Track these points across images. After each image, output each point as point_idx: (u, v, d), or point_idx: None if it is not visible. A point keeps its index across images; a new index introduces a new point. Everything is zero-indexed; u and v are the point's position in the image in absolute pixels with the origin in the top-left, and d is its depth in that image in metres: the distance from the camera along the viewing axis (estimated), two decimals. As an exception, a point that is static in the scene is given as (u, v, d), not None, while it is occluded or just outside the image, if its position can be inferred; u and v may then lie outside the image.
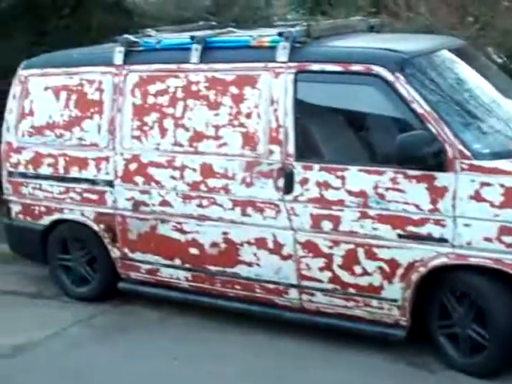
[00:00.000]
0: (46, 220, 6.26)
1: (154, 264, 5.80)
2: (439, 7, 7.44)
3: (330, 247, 5.08)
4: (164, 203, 5.60)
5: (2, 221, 6.68)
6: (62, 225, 6.24)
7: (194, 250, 5.57)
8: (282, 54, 5.18)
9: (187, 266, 5.65)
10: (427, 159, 4.72)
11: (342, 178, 4.98)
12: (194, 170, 5.45)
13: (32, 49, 7.57)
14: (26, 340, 5.50)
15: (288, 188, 5.15)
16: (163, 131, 5.58)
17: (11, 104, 6.40)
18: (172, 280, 5.77)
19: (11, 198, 6.46)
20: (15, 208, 6.44)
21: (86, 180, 5.95)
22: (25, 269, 6.95)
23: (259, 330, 5.48)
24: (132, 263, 5.91)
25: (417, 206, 4.79)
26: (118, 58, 5.82)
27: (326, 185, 5.03)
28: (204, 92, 5.45)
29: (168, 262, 5.72)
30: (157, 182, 5.60)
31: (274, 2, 10.02)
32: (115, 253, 5.96)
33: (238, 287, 5.50)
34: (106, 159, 5.82)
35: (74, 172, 6.00)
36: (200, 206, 5.46)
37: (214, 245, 5.48)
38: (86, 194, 5.97)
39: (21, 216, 6.42)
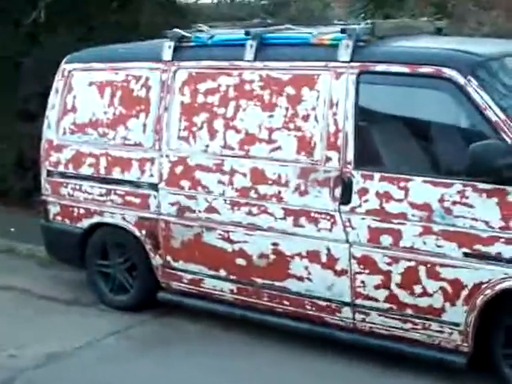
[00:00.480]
0: (85, 223, 5.94)
1: (197, 274, 5.44)
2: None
3: (389, 264, 4.67)
4: (211, 210, 5.25)
5: (39, 222, 6.39)
6: (101, 229, 5.92)
7: (240, 261, 5.20)
8: (344, 53, 4.80)
9: (233, 277, 5.28)
10: (501, 172, 4.30)
11: (405, 189, 4.57)
12: (244, 175, 5.09)
13: (79, 44, 7.28)
14: (60, 349, 5.17)
15: (345, 198, 4.76)
16: (212, 132, 5.23)
17: (53, 99, 6.11)
18: (216, 292, 5.40)
19: (49, 198, 6.16)
20: (53, 209, 6.14)
21: (129, 182, 5.62)
22: (61, 273, 6.65)
23: (308, 349, 5.09)
24: (174, 272, 5.56)
25: (486, 223, 4.36)
26: (167, 54, 5.49)
27: (386, 196, 4.63)
28: (258, 92, 5.09)
29: (212, 273, 5.36)
30: (204, 187, 5.25)
31: (332, 4, 9.64)
32: (157, 260, 5.61)
33: (287, 303, 5.11)
34: (151, 160, 5.49)
35: (117, 173, 5.68)
36: (249, 214, 5.10)
37: (263, 256, 5.10)
38: (128, 197, 5.64)
39: (59, 218, 6.12)
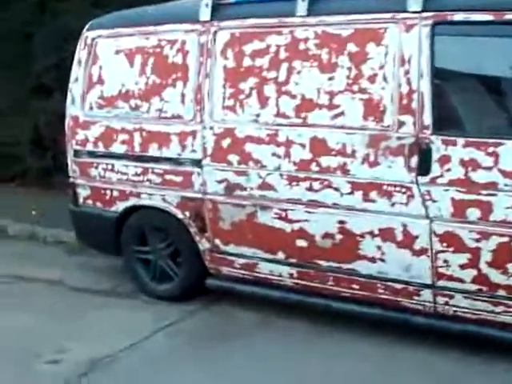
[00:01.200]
0: (119, 206, 5.37)
1: (251, 258, 4.89)
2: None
3: (477, 240, 4.11)
4: (265, 186, 4.67)
5: (61, 204, 5.83)
6: (138, 212, 5.35)
7: (301, 243, 4.64)
8: (415, 2, 4.20)
9: (292, 260, 4.73)
10: None
11: (495, 155, 4.00)
12: (303, 145, 4.51)
13: (93, 10, 6.66)
14: (104, 351, 4.57)
15: (424, 168, 4.18)
16: (263, 100, 4.63)
17: (76, 72, 5.50)
18: (272, 277, 4.85)
19: (78, 181, 5.58)
20: (83, 193, 5.57)
21: (168, 159, 5.04)
22: (92, 261, 6.13)
23: (381, 337, 4.57)
24: (224, 257, 5.01)
25: None
26: (205, 13, 4.86)
27: (473, 164, 4.05)
28: (314, 51, 4.48)
29: (269, 256, 4.80)
30: (256, 161, 4.67)
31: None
32: (203, 245, 5.06)
33: (356, 286, 4.56)
34: (193, 134, 4.90)
35: (154, 150, 5.09)
36: (310, 189, 4.52)
37: (328, 236, 4.54)
38: (168, 176, 5.07)
39: (90, 202, 5.55)
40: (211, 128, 4.82)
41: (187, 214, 5.05)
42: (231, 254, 4.97)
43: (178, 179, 5.02)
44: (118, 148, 5.27)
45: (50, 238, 6.85)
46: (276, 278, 4.85)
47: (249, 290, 5.00)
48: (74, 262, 6.26)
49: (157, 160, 5.09)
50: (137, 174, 5.22)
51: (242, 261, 4.94)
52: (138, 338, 4.74)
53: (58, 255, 6.48)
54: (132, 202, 5.30)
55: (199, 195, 4.95)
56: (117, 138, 5.27)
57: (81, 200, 5.61)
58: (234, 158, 4.75)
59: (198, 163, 4.91)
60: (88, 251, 6.10)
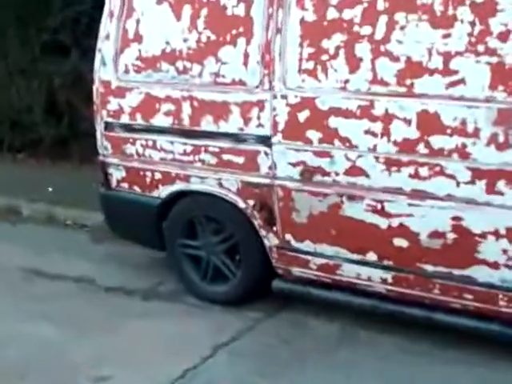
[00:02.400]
0: (163, 191, 4.42)
1: (332, 258, 3.96)
2: None
3: None
4: (354, 172, 3.72)
5: (81, 180, 4.88)
6: (187, 198, 4.40)
7: (400, 242, 3.71)
8: None
9: (387, 263, 3.80)
10: None
11: None
12: (407, 121, 3.55)
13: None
14: (158, 378, 3.67)
15: None
16: (354, 62, 3.66)
17: (107, 27, 4.49)
18: (359, 281, 3.93)
19: (110, 160, 4.62)
20: (116, 174, 4.62)
21: (227, 135, 4.08)
22: (125, 252, 5.19)
23: (494, 360, 3.68)
24: (297, 255, 4.08)
25: None
26: (275, -49, 3.88)
27: None
28: (424, 0, 3.51)
29: (356, 257, 3.88)
30: (343, 140, 3.72)
31: None
32: (271, 240, 4.13)
33: (470, 297, 3.65)
34: (259, 105, 3.94)
35: (208, 123, 4.13)
36: (416, 176, 3.57)
37: (437, 235, 3.61)
38: (226, 156, 4.12)
39: (125, 185, 4.61)
40: (284, 97, 3.85)
41: (250, 202, 4.11)
42: (306, 253, 4.04)
43: (240, 160, 4.07)
44: (161, 121, 4.30)
45: (70, 221, 5.91)
46: (364, 282, 3.93)
47: (327, 295, 4.08)
48: (102, 253, 5.32)
49: (212, 136, 4.13)
50: (185, 153, 4.26)
51: (319, 261, 4.02)
52: (194, 359, 3.82)
53: (82, 243, 5.54)
54: (179, 186, 4.35)
55: (267, 180, 4.00)
56: (160, 109, 4.29)
57: (114, 183, 4.66)
58: (314, 134, 3.79)
59: (266, 141, 3.94)
60: (117, 239, 5.15)
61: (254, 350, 3.93)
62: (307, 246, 4.02)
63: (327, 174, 3.80)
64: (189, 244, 4.51)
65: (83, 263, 5.11)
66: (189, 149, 4.24)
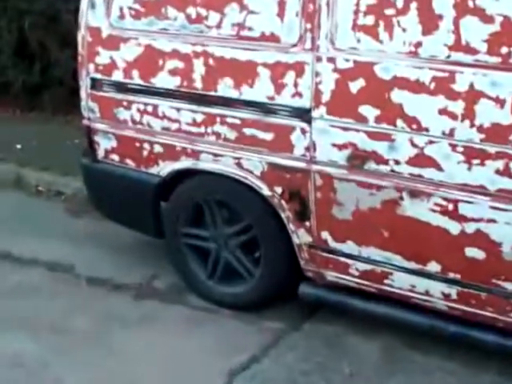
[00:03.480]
0: (164, 168, 3.56)
1: (381, 265, 3.15)
2: None
3: None
4: (422, 161, 2.88)
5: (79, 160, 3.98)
6: (194, 179, 3.54)
7: (475, 252, 2.91)
8: None
9: (453, 276, 3.00)
10: None
11: None
12: (500, 101, 2.69)
13: None
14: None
15: None
16: (430, 19, 2.79)
17: (95, -43, 3.57)
18: (413, 294, 3.14)
19: (97, 125, 3.72)
20: (105, 143, 3.73)
21: (252, 104, 3.20)
22: (107, 228, 4.28)
23: None
24: (335, 257, 3.26)
25: None
26: None
27: None
28: None
29: (413, 266, 3.07)
30: (410, 121, 2.86)
31: None
32: (301, 237, 3.30)
33: (559, 323, 2.91)
34: (297, 68, 3.05)
35: (227, 88, 3.24)
36: (505, 173, 2.75)
37: (526, 247, 2.85)
38: (249, 131, 3.25)
39: (115, 157, 3.73)
40: (331, 60, 2.98)
41: (278, 190, 3.27)
42: (347, 256, 3.23)
43: (267, 137, 3.21)
44: (165, 81, 3.41)
45: (43, 187, 5.01)
46: (419, 296, 3.14)
47: (369, 308, 3.29)
48: (82, 231, 4.43)
49: (231, 104, 3.25)
50: (195, 123, 3.38)
51: (364, 267, 3.21)
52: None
53: (57, 216, 4.65)
54: (185, 163, 3.48)
55: (302, 164, 3.15)
56: (164, 66, 3.40)
57: (101, 153, 3.77)
58: (369, 111, 2.93)
59: (303, 114, 3.08)
60: (97, 215, 4.26)
61: (281, 378, 3.14)
62: (349, 247, 3.21)
63: (384, 161, 2.96)
64: (194, 234, 3.67)
65: (58, 244, 4.24)
66: (200, 118, 3.36)
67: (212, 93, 3.30)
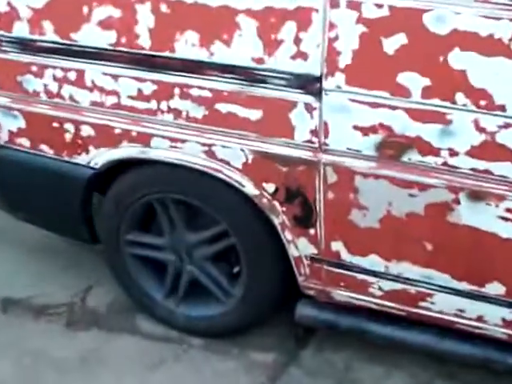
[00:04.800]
0: (96, 157, 2.51)
1: (419, 284, 2.31)
2: None
3: None
4: (491, 152, 1.99)
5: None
6: (142, 171, 2.54)
7: (555, 271, 2.13)
8: None
9: (519, 300, 2.23)
10: None
11: None
12: None
13: None
14: None
15: None
16: None
17: None
18: (460, 320, 2.33)
19: (-5, 97, 2.66)
20: (9, 123, 2.63)
21: (229, 69, 2.21)
22: (23, 227, 3.23)
23: None
24: (349, 274, 2.38)
25: None
26: None
27: None
28: None
29: (465, 287, 2.25)
30: (475, 94, 1.94)
31: None
32: (301, 248, 2.39)
33: None
34: (300, 17, 2.06)
35: (189, 47, 2.21)
36: None
37: None
38: (224, 107, 2.25)
39: (24, 141, 2.64)
40: (355, 5, 2.02)
41: (269, 187, 2.33)
42: (368, 272, 2.36)
43: (253, 115, 2.23)
44: (93, 36, 2.34)
45: None
46: (467, 322, 2.32)
47: (401, 336, 2.46)
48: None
49: (197, 69, 2.24)
50: (143, 96, 2.36)
51: (392, 286, 2.35)
52: None
53: None
54: (129, 151, 2.46)
55: (307, 153, 2.20)
56: (90, 15, 2.33)
57: (4, 136, 2.69)
58: (414, 80, 1.99)
59: (309, 84, 2.11)
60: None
61: None
62: (372, 262, 2.33)
63: (434, 151, 2.06)
64: (144, 242, 2.71)
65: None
66: (149, 89, 2.34)
67: (167, 53, 2.28)
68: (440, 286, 2.30)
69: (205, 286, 2.68)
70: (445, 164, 2.07)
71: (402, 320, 2.45)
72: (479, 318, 2.31)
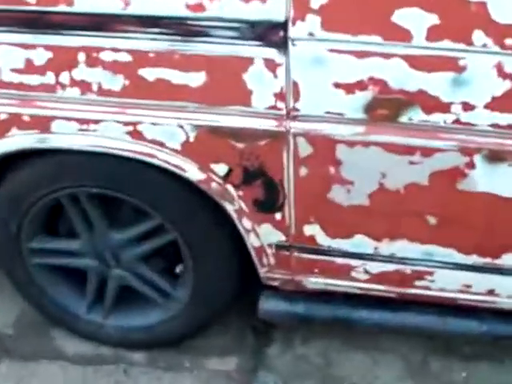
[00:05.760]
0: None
1: (415, 262, 1.86)
2: None
3: None
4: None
5: None
6: (43, 163, 1.91)
7: None
8: None
9: None
10: None
11: None
12: None
13: None
14: None
15: None
16: None
17: None
18: (466, 295, 1.91)
19: None
20: None
21: (154, 22, 1.62)
22: None
23: None
24: (326, 259, 1.91)
25: None
26: None
27: None
28: None
29: (475, 260, 1.82)
30: (499, 31, 1.47)
31: None
32: (263, 235, 1.88)
33: None
34: None
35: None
36: None
37: None
38: (150, 72, 1.66)
39: None
40: None
41: (220, 168, 1.78)
42: (351, 256, 1.90)
43: (193, 80, 1.65)
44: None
45: None
46: (475, 297, 1.92)
47: (393, 319, 2.03)
48: None
49: (109, 25, 1.64)
50: (34, 68, 1.73)
51: (382, 267, 1.89)
52: None
53: None
54: (22, 140, 1.82)
55: (270, 123, 1.66)
56: None
57: None
58: (415, 18, 1.50)
59: (270, 33, 1.57)
60: None
61: None
62: (357, 244, 1.86)
63: (443, 107, 1.58)
64: (54, 248, 2.11)
65: None
66: (42, 58, 1.71)
67: (62, 8, 1.65)
68: (442, 263, 1.87)
69: (139, 292, 2.14)
70: (457, 121, 1.61)
71: (390, 302, 2.04)
72: (490, 292, 1.92)
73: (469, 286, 1.93)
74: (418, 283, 1.94)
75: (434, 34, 1.51)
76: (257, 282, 2.02)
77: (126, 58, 1.67)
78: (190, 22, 1.61)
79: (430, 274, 1.91)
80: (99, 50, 1.67)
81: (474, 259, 1.85)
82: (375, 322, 2.05)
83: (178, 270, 2.08)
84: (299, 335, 2.20)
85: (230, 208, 1.87)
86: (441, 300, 1.99)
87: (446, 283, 1.93)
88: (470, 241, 1.82)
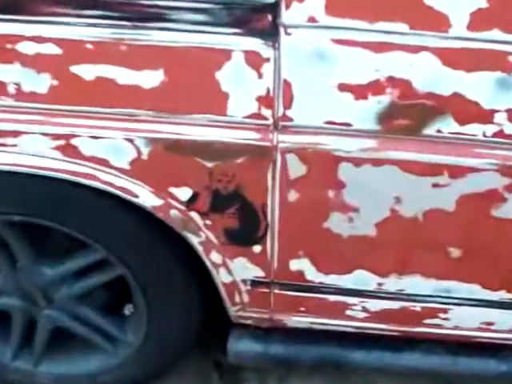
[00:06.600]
0: None
1: (427, 300, 1.50)
2: None
3: None
4: None
5: None
6: None
7: None
8: None
9: None
10: None
11: None
12: None
13: None
14: None
15: None
16: None
17: None
18: (485, 333, 1.57)
19: None
20: None
21: (90, 3, 1.19)
22: None
23: None
24: (316, 297, 1.52)
25: None
26: None
27: None
28: None
29: (498, 295, 1.47)
30: None
31: None
32: (237, 270, 1.47)
33: None
34: None
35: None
36: None
37: None
38: (84, 69, 1.23)
39: None
40: None
41: (182, 193, 1.36)
42: (347, 293, 1.51)
43: (146, 81, 1.22)
44: None
45: None
46: (496, 335, 1.59)
47: (400, 363, 1.67)
48: None
49: (25, 8, 1.20)
50: None
51: (385, 305, 1.53)
52: None
53: None
54: None
55: (252, 135, 1.26)
56: None
57: None
58: (452, -2, 1.12)
59: (254, 20, 1.16)
60: None
61: None
62: (358, 280, 1.48)
63: (483, 116, 1.20)
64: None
65: None
66: None
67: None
68: (461, 299, 1.51)
69: (77, 335, 1.71)
70: (499, 134, 1.22)
71: (390, 340, 1.67)
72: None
73: (490, 324, 1.57)
74: (428, 321, 1.58)
75: (478, 21, 1.11)
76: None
77: (53, 50, 1.22)
78: (142, 2, 1.17)
79: (445, 311, 1.55)
80: (15, 40, 1.22)
81: (500, 295, 1.49)
82: (373, 364, 1.69)
83: (126, 310, 1.66)
84: (275, 375, 1.81)
85: (194, 240, 1.45)
86: (452, 338, 1.63)
87: (463, 321, 1.57)
88: (498, 275, 1.46)
